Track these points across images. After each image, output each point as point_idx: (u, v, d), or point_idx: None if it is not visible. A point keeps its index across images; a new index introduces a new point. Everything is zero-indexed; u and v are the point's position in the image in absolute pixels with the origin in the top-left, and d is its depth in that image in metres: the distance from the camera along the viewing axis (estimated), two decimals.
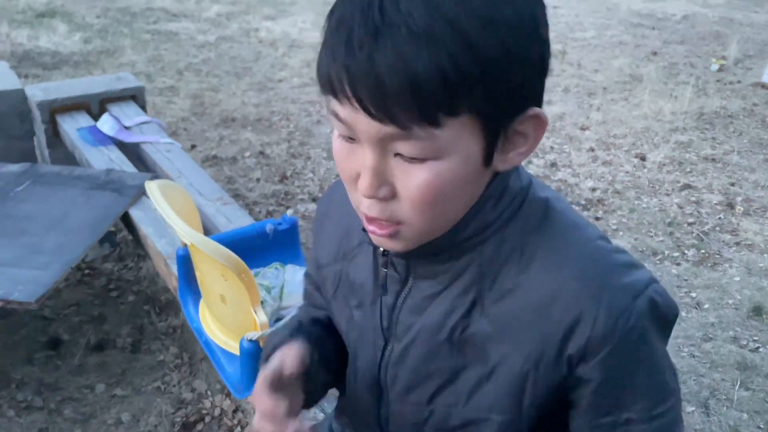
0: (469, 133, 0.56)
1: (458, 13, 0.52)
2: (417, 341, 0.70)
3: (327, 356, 0.80)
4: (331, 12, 0.57)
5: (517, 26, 0.54)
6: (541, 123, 0.59)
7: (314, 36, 5.43)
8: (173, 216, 1.25)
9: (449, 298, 0.67)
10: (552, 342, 0.62)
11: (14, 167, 2.16)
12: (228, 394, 1.85)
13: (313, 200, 2.98)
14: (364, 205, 0.61)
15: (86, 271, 2.35)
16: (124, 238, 2.50)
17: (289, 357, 0.68)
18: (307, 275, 0.93)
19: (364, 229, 0.68)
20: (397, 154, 0.57)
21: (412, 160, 0.56)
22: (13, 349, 2.00)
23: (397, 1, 0.52)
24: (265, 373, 0.67)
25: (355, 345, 0.78)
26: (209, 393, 1.87)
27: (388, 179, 0.58)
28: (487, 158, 0.59)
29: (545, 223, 0.65)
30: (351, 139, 0.58)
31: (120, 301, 2.23)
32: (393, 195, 0.59)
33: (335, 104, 0.56)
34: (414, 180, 0.57)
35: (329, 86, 0.55)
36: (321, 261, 0.83)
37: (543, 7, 0.58)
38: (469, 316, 0.66)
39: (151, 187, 1.32)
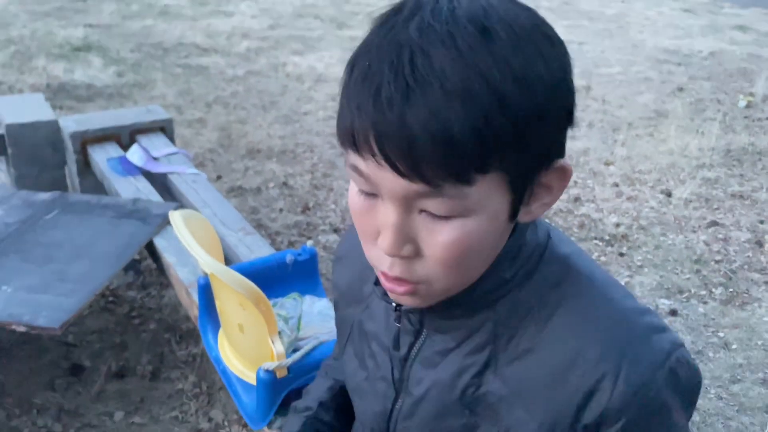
0: (498, 189, 0.54)
1: (493, 72, 0.50)
2: (428, 397, 0.68)
3: None
4: (352, 63, 0.55)
5: (549, 84, 0.53)
6: (565, 174, 0.58)
7: (340, 71, 5.49)
8: (194, 245, 1.27)
9: (462, 355, 0.65)
10: (568, 410, 0.59)
11: (44, 195, 2.22)
12: (244, 425, 1.84)
13: (335, 231, 3.00)
14: (385, 265, 0.58)
15: (110, 299, 2.38)
16: (147, 267, 2.54)
17: None
18: None
19: (376, 283, 0.68)
20: (422, 211, 0.55)
21: (440, 218, 0.54)
22: (36, 375, 2.03)
23: (429, 56, 0.50)
24: None
25: (364, 395, 0.76)
26: (226, 423, 1.87)
27: (411, 237, 0.56)
28: (513, 213, 0.58)
29: (565, 282, 0.63)
30: (372, 194, 0.56)
31: (142, 329, 2.25)
32: (416, 253, 0.57)
33: (356, 159, 0.54)
34: (440, 238, 0.55)
35: (351, 141, 0.53)
36: (338, 304, 0.83)
37: (568, 55, 0.57)
38: (482, 375, 0.64)
39: (174, 216, 1.35)
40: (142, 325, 2.27)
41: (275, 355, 1.24)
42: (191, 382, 2.01)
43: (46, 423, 1.85)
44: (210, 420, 1.88)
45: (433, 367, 0.67)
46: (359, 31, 6.85)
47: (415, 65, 0.50)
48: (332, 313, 1.50)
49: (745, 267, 2.81)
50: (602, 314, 0.61)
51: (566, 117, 0.57)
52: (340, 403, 0.90)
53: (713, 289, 2.65)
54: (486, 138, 0.50)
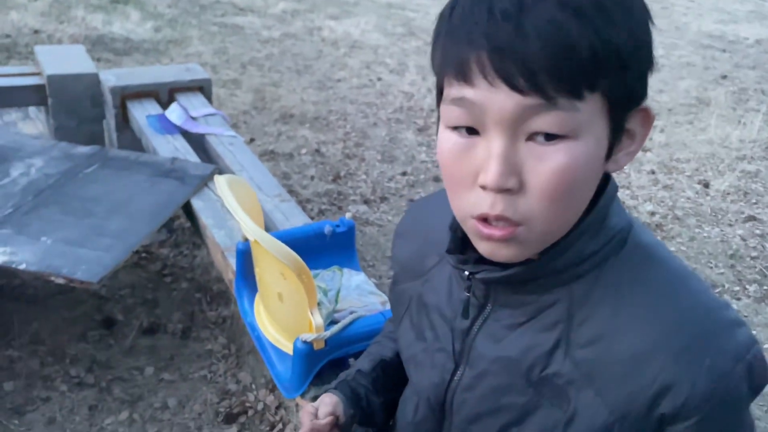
0: (601, 115, 0.56)
1: None
2: (491, 371, 0.67)
3: (368, 413, 0.88)
4: (451, 5, 0.57)
5: (642, 16, 0.56)
6: (648, 118, 0.60)
7: (375, 38, 5.45)
8: (239, 211, 1.27)
9: (531, 332, 0.64)
10: (644, 398, 0.59)
11: (84, 149, 2.23)
12: (272, 390, 1.87)
13: (365, 202, 2.99)
14: (486, 204, 0.57)
15: (143, 255, 2.41)
16: (180, 225, 2.56)
17: (323, 405, 0.83)
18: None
19: (449, 251, 0.68)
20: (529, 139, 0.55)
21: (548, 140, 0.54)
22: (70, 325, 2.07)
23: None
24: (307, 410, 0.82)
25: (421, 366, 0.76)
26: (254, 386, 1.89)
27: (517, 168, 0.55)
28: (609, 150, 0.58)
29: (647, 270, 0.62)
30: (472, 132, 0.57)
31: (173, 287, 2.28)
32: (519, 188, 0.56)
33: (463, 89, 0.55)
34: (548, 164, 0.54)
35: (459, 68, 0.54)
36: (397, 279, 0.83)
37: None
38: (552, 355, 0.63)
39: (220, 181, 1.34)
40: (174, 284, 2.30)
41: (314, 327, 1.24)
42: (221, 344, 2.04)
43: (79, 373, 1.89)
44: (238, 382, 1.91)
45: (499, 341, 0.67)
46: None
47: None
48: (369, 288, 1.50)
49: None
50: (686, 305, 0.60)
51: (650, 56, 0.58)
52: (380, 375, 0.91)
53: (747, 286, 2.61)
54: (598, 52, 0.52)
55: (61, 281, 1.67)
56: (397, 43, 5.41)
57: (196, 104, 2.56)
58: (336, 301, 1.38)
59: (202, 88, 2.68)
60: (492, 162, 0.55)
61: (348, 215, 1.67)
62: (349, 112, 3.93)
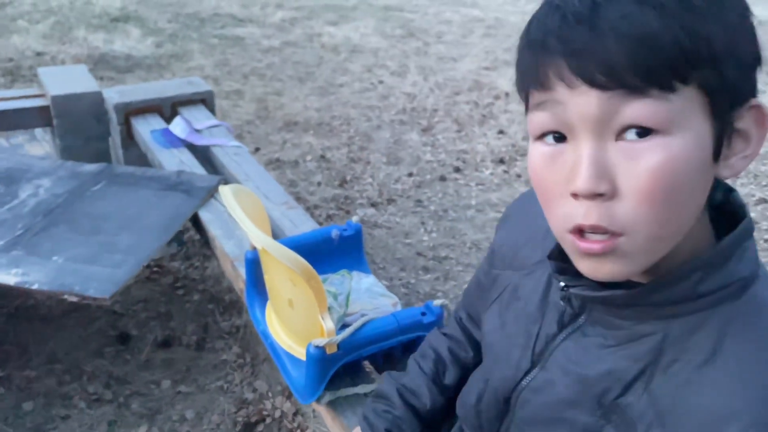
0: (699, 110, 0.52)
1: None
2: (564, 382, 0.65)
3: None
4: (531, 20, 0.56)
5: (737, 7, 0.53)
6: (762, 116, 0.55)
7: (375, 41, 5.46)
8: (245, 220, 1.27)
9: (616, 357, 0.61)
10: None
11: (91, 167, 2.25)
12: (288, 397, 1.87)
13: (372, 205, 2.99)
14: (580, 214, 0.53)
15: (154, 269, 2.42)
16: (190, 238, 2.57)
17: None
18: (465, 291, 0.96)
19: (551, 257, 0.65)
20: (619, 139, 0.51)
21: (640, 137, 0.51)
22: (86, 342, 2.08)
23: None
24: None
25: (498, 357, 0.75)
26: (270, 394, 1.90)
27: (608, 171, 0.52)
28: (716, 151, 0.54)
29: (755, 328, 0.56)
30: (558, 138, 0.55)
31: (186, 300, 2.29)
32: (613, 193, 0.52)
33: (543, 95, 0.54)
34: (643, 164, 0.50)
35: (536, 77, 0.54)
36: (494, 262, 0.82)
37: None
38: (631, 385, 0.59)
39: (225, 191, 1.35)
40: (186, 296, 2.31)
41: (325, 332, 1.25)
42: (235, 353, 2.05)
43: (97, 390, 1.90)
44: (254, 390, 1.91)
45: (581, 356, 0.64)
46: (394, 1, 6.74)
47: None
48: (379, 290, 1.50)
49: None
50: None
51: (755, 51, 0.54)
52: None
53: None
54: (683, 43, 0.49)
55: (73, 299, 1.68)
56: (396, 45, 5.41)
57: (200, 117, 2.58)
58: (346, 305, 1.38)
59: (205, 100, 2.69)
60: (581, 166, 0.52)
61: (355, 218, 1.67)
62: (353, 117, 3.94)
